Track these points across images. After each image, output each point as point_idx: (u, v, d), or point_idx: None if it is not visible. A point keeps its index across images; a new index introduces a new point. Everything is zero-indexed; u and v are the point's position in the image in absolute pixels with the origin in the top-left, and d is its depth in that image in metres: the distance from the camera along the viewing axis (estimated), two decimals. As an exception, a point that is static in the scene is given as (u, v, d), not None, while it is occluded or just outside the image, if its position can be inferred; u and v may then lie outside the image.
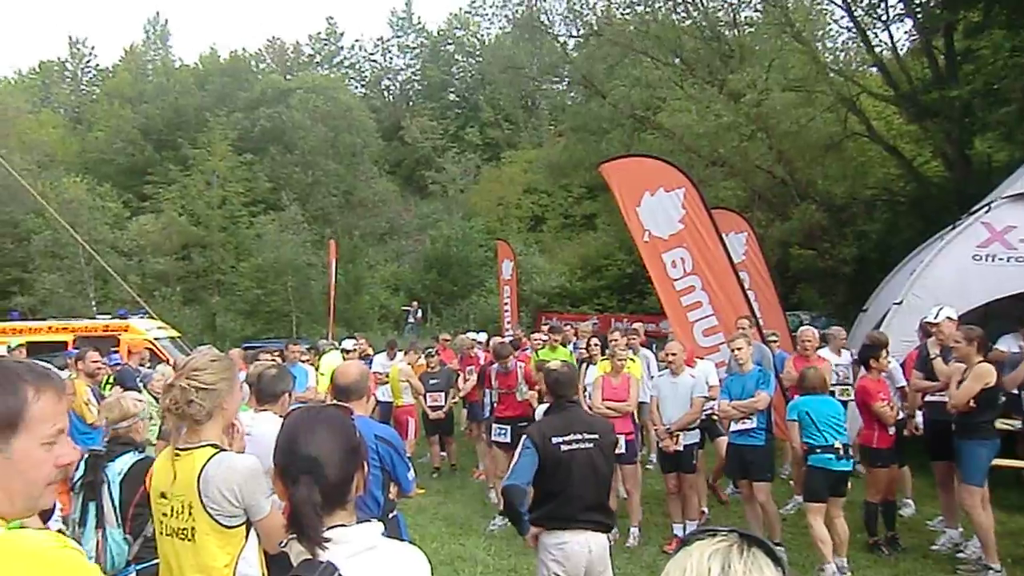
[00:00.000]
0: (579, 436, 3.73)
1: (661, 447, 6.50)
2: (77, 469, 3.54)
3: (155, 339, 14.05)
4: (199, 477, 2.41)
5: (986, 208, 8.36)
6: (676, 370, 6.40)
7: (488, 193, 36.15)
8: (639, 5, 21.57)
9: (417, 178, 40.23)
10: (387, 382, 9.17)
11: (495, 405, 7.74)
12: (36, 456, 1.24)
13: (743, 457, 5.98)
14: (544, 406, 4.73)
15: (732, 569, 1.04)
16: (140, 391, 6.63)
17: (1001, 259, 7.69)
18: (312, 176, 34.59)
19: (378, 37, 59.21)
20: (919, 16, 16.03)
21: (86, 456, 3.56)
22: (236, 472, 2.41)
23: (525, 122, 42.24)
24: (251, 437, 3.11)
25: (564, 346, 9.20)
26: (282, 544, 2.19)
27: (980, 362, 5.31)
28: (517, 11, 25.58)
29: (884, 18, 17.28)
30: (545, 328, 10.58)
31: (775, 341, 8.29)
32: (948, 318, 6.02)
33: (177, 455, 2.50)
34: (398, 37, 50.54)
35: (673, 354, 6.43)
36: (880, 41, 18.08)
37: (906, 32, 18.04)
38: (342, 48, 51.86)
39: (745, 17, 21.26)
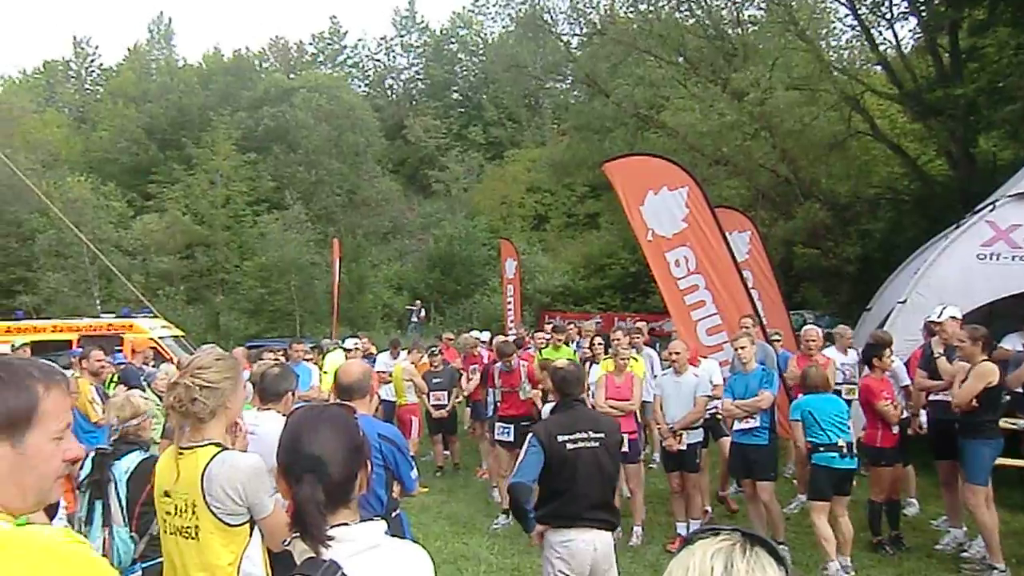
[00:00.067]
0: (585, 435, 3.73)
1: (664, 446, 6.49)
2: (83, 467, 3.56)
3: (159, 338, 14.07)
4: (202, 475, 2.40)
5: (991, 207, 8.31)
6: (679, 369, 6.39)
7: (491, 192, 36.18)
8: (642, 4, 21.56)
9: (420, 177, 40.26)
10: (391, 381, 9.22)
11: (498, 404, 7.73)
12: (47, 450, 1.28)
13: (747, 456, 5.98)
14: (551, 404, 4.73)
15: (735, 568, 1.04)
16: (144, 390, 6.66)
17: (1006, 258, 7.65)
18: (316, 175, 34.63)
19: (381, 36, 59.41)
20: (923, 14, 15.99)
21: (92, 454, 3.57)
22: (239, 471, 2.41)
23: (528, 121, 42.26)
24: (254, 436, 3.11)
25: (567, 345, 9.21)
26: (286, 542, 2.19)
27: (983, 361, 5.30)
28: (520, 10, 25.59)
29: (888, 16, 17.26)
30: (548, 327, 10.56)
31: (779, 340, 8.30)
32: (952, 317, 6.01)
33: (180, 453, 2.50)
34: (401, 36, 50.63)
35: (676, 353, 6.42)
36: (884, 39, 18.20)
37: (910, 30, 18.06)
38: (345, 47, 52.04)
39: (749, 16, 21.25)
